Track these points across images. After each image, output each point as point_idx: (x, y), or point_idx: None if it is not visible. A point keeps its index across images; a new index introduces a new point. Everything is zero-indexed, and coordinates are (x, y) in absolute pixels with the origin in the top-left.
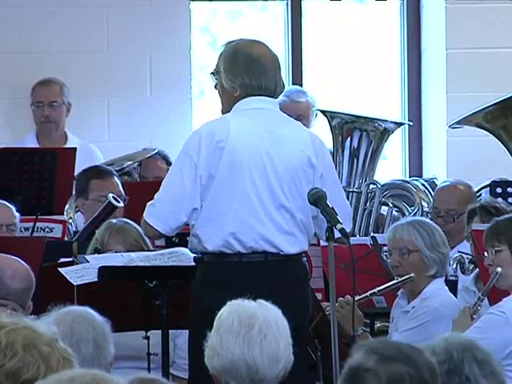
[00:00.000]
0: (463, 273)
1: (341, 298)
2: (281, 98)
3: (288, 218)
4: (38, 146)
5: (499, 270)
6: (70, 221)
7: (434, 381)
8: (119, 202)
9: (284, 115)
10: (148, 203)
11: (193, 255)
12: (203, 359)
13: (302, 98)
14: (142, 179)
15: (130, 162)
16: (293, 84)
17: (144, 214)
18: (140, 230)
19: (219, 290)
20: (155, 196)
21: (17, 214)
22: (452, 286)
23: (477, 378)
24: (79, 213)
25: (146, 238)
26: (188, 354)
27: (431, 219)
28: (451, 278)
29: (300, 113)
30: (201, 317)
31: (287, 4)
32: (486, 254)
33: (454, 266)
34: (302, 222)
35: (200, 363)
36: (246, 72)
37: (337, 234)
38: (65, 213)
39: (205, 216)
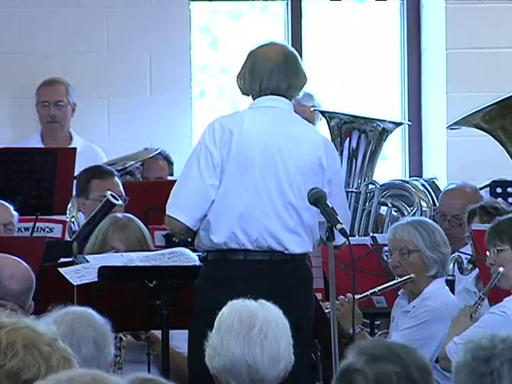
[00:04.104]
0: (461, 273)
1: (341, 296)
2: None
3: (295, 218)
4: (42, 145)
5: (501, 269)
6: (73, 219)
7: (424, 379)
8: (118, 201)
9: (297, 116)
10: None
11: (196, 255)
12: (203, 358)
13: (309, 102)
14: (144, 179)
15: (133, 162)
16: None
17: (166, 210)
18: (143, 229)
19: (223, 289)
20: (173, 189)
21: (14, 213)
22: (449, 285)
23: (501, 374)
24: (81, 212)
25: (149, 239)
26: (188, 352)
27: (431, 218)
28: (448, 277)
29: (305, 116)
30: (204, 315)
31: (287, 4)
32: (487, 253)
33: (452, 265)
34: (308, 224)
35: (200, 361)
36: (248, 75)
37: (339, 241)
38: (67, 212)
39: (215, 206)
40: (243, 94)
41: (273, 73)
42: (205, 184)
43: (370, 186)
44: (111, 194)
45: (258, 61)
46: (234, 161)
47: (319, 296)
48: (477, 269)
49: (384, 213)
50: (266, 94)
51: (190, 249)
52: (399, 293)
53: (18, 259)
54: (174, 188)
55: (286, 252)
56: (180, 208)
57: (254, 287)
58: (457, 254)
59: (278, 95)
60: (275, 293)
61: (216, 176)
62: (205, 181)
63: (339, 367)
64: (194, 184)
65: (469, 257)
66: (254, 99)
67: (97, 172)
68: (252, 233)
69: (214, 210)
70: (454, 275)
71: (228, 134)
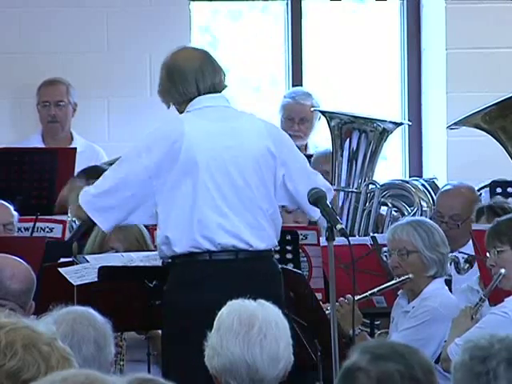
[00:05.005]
0: (458, 272)
1: (341, 298)
2: (286, 99)
3: (255, 211)
4: (43, 145)
5: (503, 271)
6: (74, 219)
7: (427, 379)
8: None
9: (236, 109)
10: (88, 189)
11: (161, 261)
12: (177, 362)
13: (307, 100)
14: None
15: None
16: (293, 84)
17: (83, 201)
18: (142, 228)
19: (192, 290)
20: (99, 186)
21: (14, 213)
22: (446, 285)
23: (497, 374)
24: None
25: (148, 239)
26: (162, 355)
27: (431, 218)
28: (445, 277)
29: (303, 115)
30: (176, 317)
31: (287, 4)
32: (488, 254)
33: (449, 265)
34: (267, 211)
35: (172, 364)
36: (173, 85)
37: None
38: (69, 211)
39: (169, 219)
40: (175, 103)
41: (204, 71)
42: (133, 194)
43: (371, 186)
44: None
45: (182, 66)
46: (180, 168)
47: (319, 296)
48: (474, 268)
49: (384, 213)
50: (203, 94)
51: None
52: (399, 293)
53: (18, 259)
54: (99, 184)
55: (251, 249)
56: (99, 210)
57: (222, 286)
58: (454, 253)
59: (213, 92)
60: (244, 290)
61: (146, 186)
62: (136, 191)
63: (342, 366)
64: (121, 191)
65: (465, 256)
66: (182, 106)
67: (94, 172)
68: (214, 237)
69: (170, 225)
70: (450, 275)
71: (169, 143)
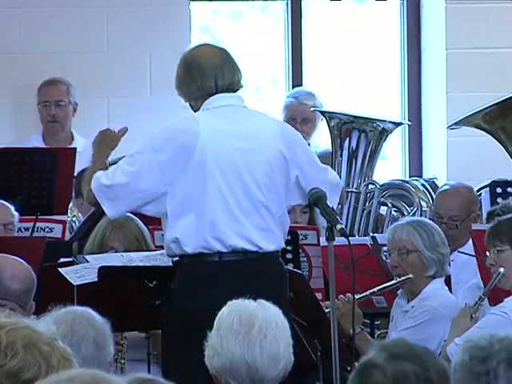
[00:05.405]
0: None
1: (341, 296)
2: (289, 99)
3: (265, 214)
4: (44, 145)
5: (502, 270)
6: (74, 219)
7: (441, 382)
8: None
9: (250, 109)
10: (100, 175)
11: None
12: (177, 362)
13: (310, 101)
14: None
15: None
16: (293, 84)
17: (95, 187)
18: (142, 228)
19: (200, 290)
20: (111, 177)
21: (15, 213)
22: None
23: (497, 374)
24: (81, 212)
25: (149, 239)
26: (162, 355)
27: (431, 218)
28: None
29: (306, 115)
30: (182, 317)
31: (287, 4)
32: (487, 253)
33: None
34: (276, 213)
35: (172, 364)
36: (191, 80)
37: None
38: (69, 211)
39: (180, 218)
40: (192, 99)
41: (223, 69)
42: (145, 189)
43: (370, 186)
44: None
45: (203, 61)
46: (193, 168)
47: (319, 296)
48: (474, 267)
49: (384, 213)
50: (220, 92)
51: None
52: (398, 292)
53: (19, 259)
54: (112, 175)
55: (261, 251)
56: (111, 200)
57: (230, 287)
58: (453, 253)
59: (230, 91)
60: (252, 291)
61: (158, 183)
62: (148, 186)
63: (360, 361)
64: (134, 184)
65: None
66: (197, 103)
67: None
68: (225, 239)
69: (181, 224)
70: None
71: (183, 142)
